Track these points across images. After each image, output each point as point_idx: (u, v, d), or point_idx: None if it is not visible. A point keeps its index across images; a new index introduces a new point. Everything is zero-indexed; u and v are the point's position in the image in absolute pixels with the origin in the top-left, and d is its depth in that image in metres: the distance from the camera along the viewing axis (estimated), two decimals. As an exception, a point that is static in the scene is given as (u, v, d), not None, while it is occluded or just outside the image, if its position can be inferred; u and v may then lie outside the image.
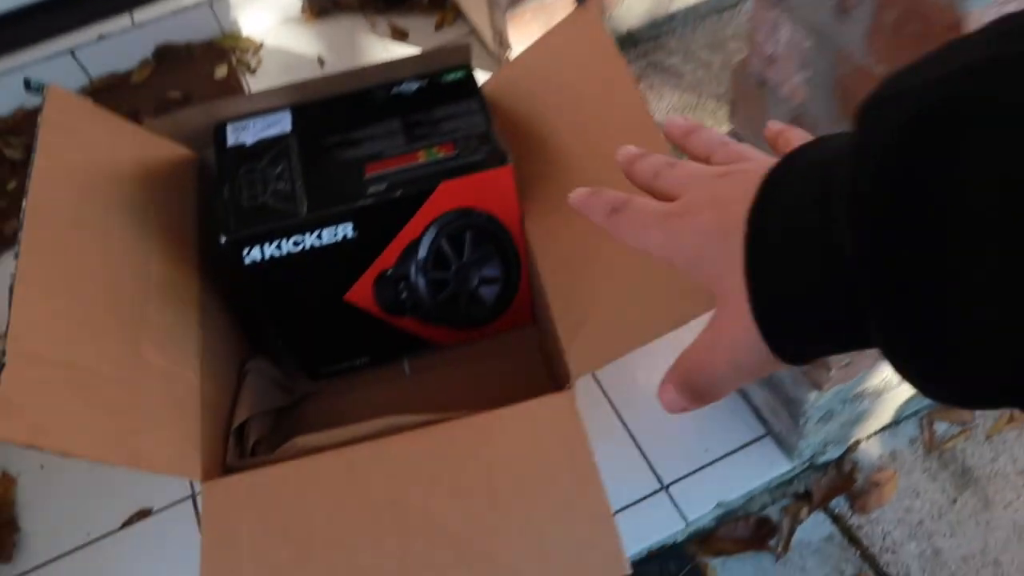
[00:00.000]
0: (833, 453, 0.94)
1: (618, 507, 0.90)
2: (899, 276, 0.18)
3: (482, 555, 0.61)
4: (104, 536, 0.95)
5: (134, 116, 1.28)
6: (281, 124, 0.79)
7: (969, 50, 0.18)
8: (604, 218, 0.29)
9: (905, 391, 0.89)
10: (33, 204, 0.66)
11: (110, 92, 1.45)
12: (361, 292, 0.80)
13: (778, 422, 0.91)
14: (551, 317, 0.74)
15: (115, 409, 0.61)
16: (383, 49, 1.43)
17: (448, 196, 0.74)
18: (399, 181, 0.73)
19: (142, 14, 1.45)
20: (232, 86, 1.44)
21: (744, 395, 0.94)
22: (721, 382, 0.26)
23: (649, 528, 0.88)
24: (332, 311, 0.81)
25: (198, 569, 0.60)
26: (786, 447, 0.91)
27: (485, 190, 0.75)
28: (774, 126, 0.32)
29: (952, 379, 0.18)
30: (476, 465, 0.65)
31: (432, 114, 0.79)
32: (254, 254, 0.71)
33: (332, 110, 0.80)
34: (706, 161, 0.31)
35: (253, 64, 1.46)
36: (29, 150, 1.32)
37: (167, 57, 1.49)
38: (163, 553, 0.93)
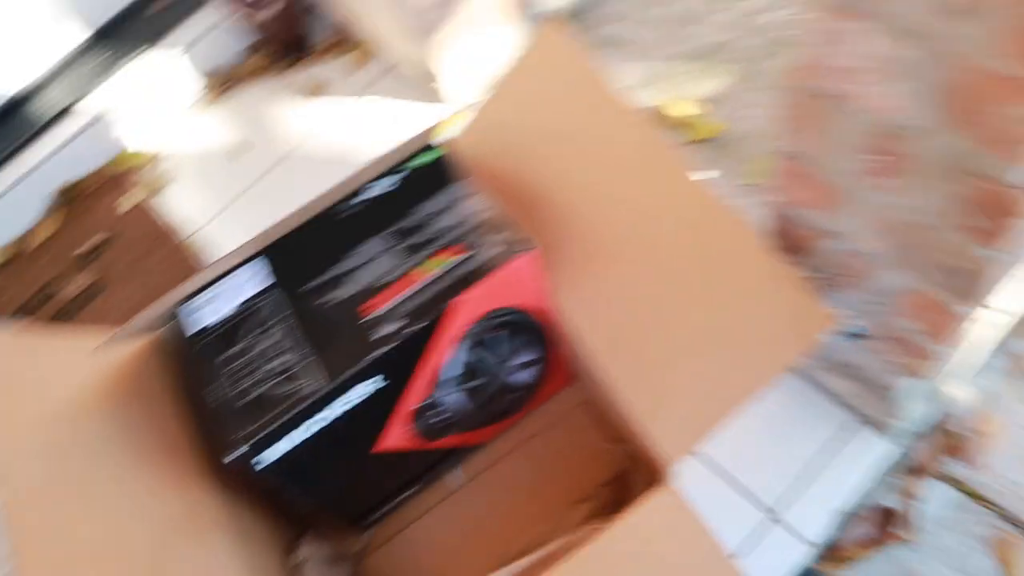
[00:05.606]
0: (931, 415, 0.87)
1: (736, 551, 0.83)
2: None
3: None
4: None
5: (44, 290, 1.10)
6: (254, 280, 0.67)
7: None
8: None
9: (992, 331, 0.82)
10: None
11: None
12: (394, 436, 0.69)
13: (867, 406, 0.84)
14: (619, 403, 0.64)
15: None
16: (305, 108, 1.29)
17: (471, 306, 0.63)
18: (408, 311, 0.61)
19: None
20: (141, 217, 1.25)
21: (818, 385, 0.86)
22: None
23: (775, 566, 0.81)
24: (368, 465, 0.71)
25: None
26: (881, 428, 0.84)
27: (510, 284, 0.65)
28: None
29: None
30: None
31: (421, 212, 0.67)
32: (267, 456, 0.60)
33: (305, 243, 0.68)
34: None
35: (160, 179, 1.29)
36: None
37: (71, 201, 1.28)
38: None
